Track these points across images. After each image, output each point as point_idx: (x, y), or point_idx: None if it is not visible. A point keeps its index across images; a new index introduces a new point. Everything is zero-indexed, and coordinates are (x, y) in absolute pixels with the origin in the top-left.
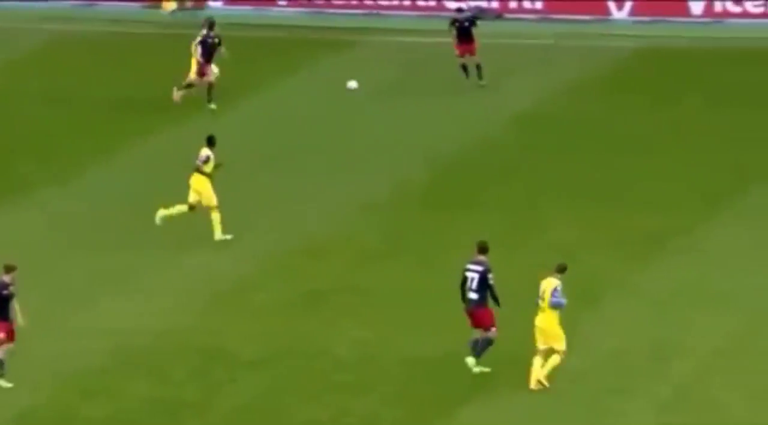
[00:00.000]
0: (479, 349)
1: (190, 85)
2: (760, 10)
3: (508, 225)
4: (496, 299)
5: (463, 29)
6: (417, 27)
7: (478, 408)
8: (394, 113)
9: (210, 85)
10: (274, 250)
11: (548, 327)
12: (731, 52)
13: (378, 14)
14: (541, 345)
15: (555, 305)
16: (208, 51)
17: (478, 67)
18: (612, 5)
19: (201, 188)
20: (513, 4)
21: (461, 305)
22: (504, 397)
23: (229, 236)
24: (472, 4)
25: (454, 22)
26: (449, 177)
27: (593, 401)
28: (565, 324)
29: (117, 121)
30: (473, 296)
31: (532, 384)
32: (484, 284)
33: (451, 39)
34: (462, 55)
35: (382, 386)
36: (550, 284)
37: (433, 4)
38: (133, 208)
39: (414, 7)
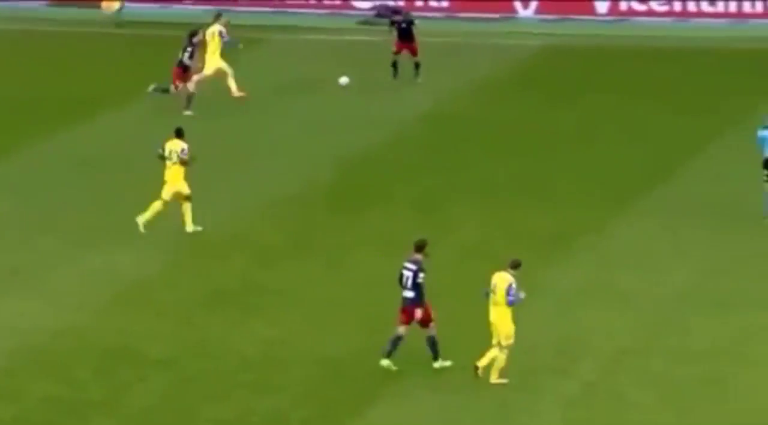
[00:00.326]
0: (430, 348)
1: (164, 90)
2: (665, 8)
3: (416, 224)
4: (422, 295)
5: (403, 30)
6: (323, 25)
7: (387, 407)
8: (300, 110)
9: (189, 95)
10: (180, 249)
11: (499, 322)
12: (637, 50)
13: (284, 12)
14: (495, 340)
15: (513, 304)
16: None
17: (417, 65)
18: (518, 4)
19: (179, 180)
20: (419, 3)
21: (369, 304)
22: (413, 396)
23: (199, 228)
24: (378, 3)
25: (393, 23)
26: (356, 175)
27: (501, 399)
28: (472, 322)
29: (14, 120)
30: (408, 294)
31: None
32: (417, 283)
33: (390, 38)
34: (398, 52)
35: (289, 385)
36: (503, 281)
37: (338, 2)
38: (33, 206)
39: (320, 5)
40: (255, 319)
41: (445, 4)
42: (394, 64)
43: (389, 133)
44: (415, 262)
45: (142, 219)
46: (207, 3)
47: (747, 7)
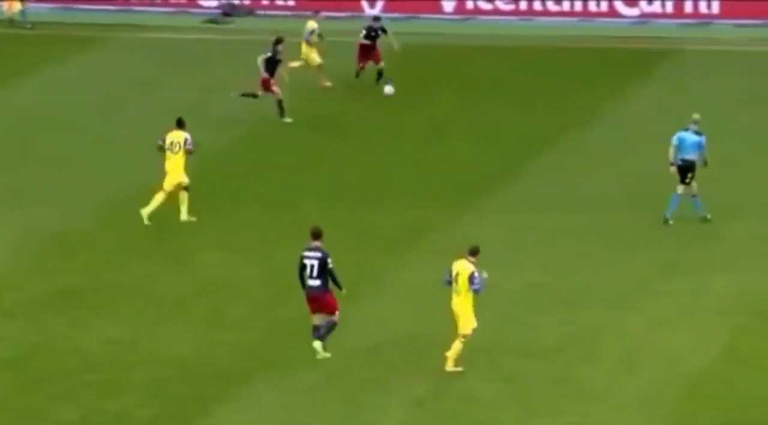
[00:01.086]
0: (324, 333)
1: (252, 95)
2: (511, 7)
3: (265, 223)
4: (337, 283)
5: (374, 38)
6: (169, 23)
7: (234, 407)
8: (146, 109)
9: (279, 100)
10: (24, 248)
11: (461, 310)
12: (483, 49)
13: (129, 10)
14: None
15: (479, 292)
16: (274, 64)
17: (381, 72)
18: (365, 3)
19: (179, 171)
20: (265, 2)
21: (216, 303)
22: (260, 393)
23: (194, 218)
24: (223, 1)
25: (371, 30)
26: (208, 175)
27: (351, 396)
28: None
29: None
30: (315, 282)
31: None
32: (324, 270)
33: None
34: (364, 66)
35: (135, 385)
36: (464, 269)
37: (184, 1)
38: None
39: (165, 3)
40: (101, 319)
41: (291, 2)
42: (358, 74)
43: (239, 132)
44: (317, 249)
45: (146, 212)
46: (51, 2)
47: (593, 6)
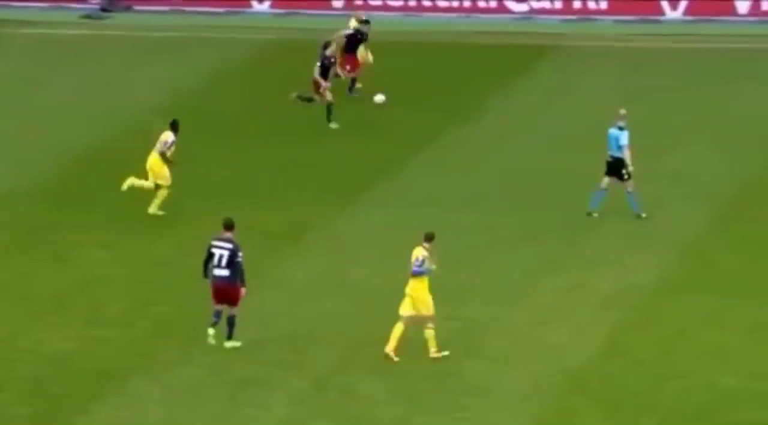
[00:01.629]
0: (230, 329)
1: (308, 99)
2: (399, 3)
3: (147, 219)
4: (242, 279)
5: (357, 42)
6: (46, 19)
7: (112, 403)
8: (23, 106)
9: (329, 104)
10: None
11: (416, 293)
12: (373, 45)
13: (6, 6)
14: (405, 312)
15: (416, 274)
16: (326, 69)
17: (354, 80)
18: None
19: (159, 169)
20: None
21: (94, 300)
22: (140, 390)
23: (161, 212)
24: None
25: (361, 34)
26: (88, 170)
27: (232, 392)
28: (203, 317)
29: None
30: (223, 272)
31: (388, 349)
32: (233, 262)
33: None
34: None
35: (13, 382)
36: (415, 253)
37: None
38: None
39: None
40: None
41: None
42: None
43: (117, 127)
44: (229, 240)
45: (152, 209)
46: None
47: (481, 2)
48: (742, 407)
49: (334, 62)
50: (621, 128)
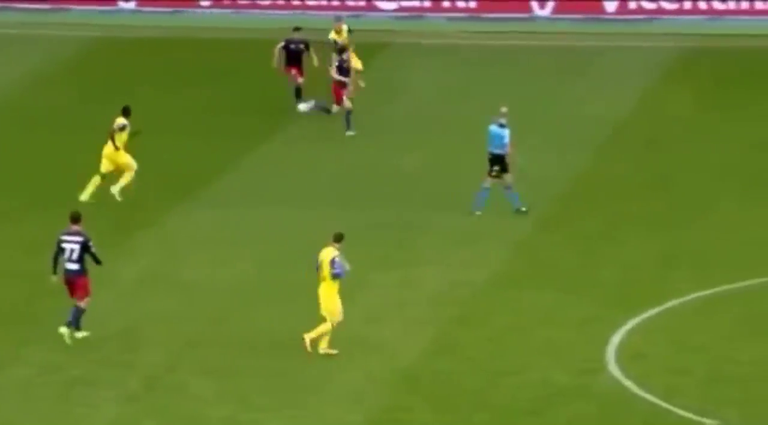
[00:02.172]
0: (74, 319)
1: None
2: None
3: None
4: (98, 262)
5: (292, 54)
6: None
7: None
8: None
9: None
10: None
11: (324, 297)
12: (191, 41)
13: None
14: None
15: (336, 277)
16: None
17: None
18: None
19: (115, 157)
20: None
21: None
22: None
23: (119, 199)
24: None
25: (306, 45)
26: None
27: (63, 392)
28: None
29: None
30: (74, 266)
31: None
32: (83, 254)
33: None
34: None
35: None
36: (327, 254)
37: None
38: None
39: None
40: None
41: None
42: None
43: None
44: (77, 233)
45: (116, 189)
46: None
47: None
48: (573, 401)
49: (306, 47)
50: (502, 126)
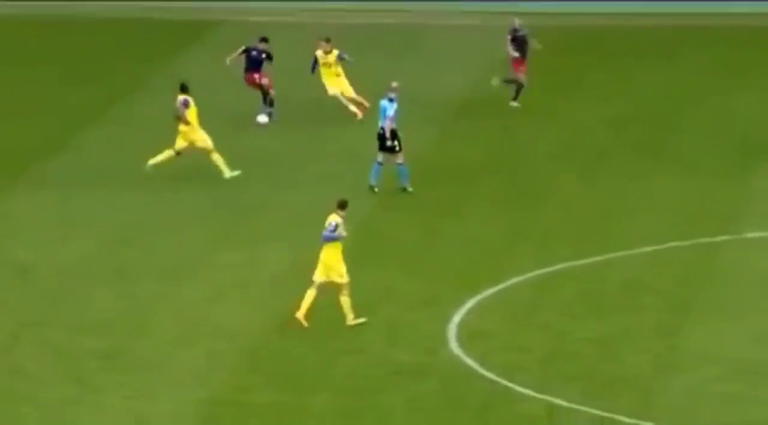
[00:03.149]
0: None
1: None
2: None
3: None
4: None
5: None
6: None
7: None
8: None
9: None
10: None
11: (328, 260)
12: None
13: None
14: (317, 278)
15: (325, 239)
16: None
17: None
18: None
19: (188, 132)
20: None
21: None
22: None
23: (237, 172)
24: None
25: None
26: None
27: None
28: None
29: None
30: None
31: (299, 314)
32: None
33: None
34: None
35: None
36: (331, 219)
37: None
38: None
39: None
40: None
41: None
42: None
43: None
44: None
45: (153, 162)
46: None
47: None
48: (413, 380)
49: (267, 57)
50: (391, 100)
